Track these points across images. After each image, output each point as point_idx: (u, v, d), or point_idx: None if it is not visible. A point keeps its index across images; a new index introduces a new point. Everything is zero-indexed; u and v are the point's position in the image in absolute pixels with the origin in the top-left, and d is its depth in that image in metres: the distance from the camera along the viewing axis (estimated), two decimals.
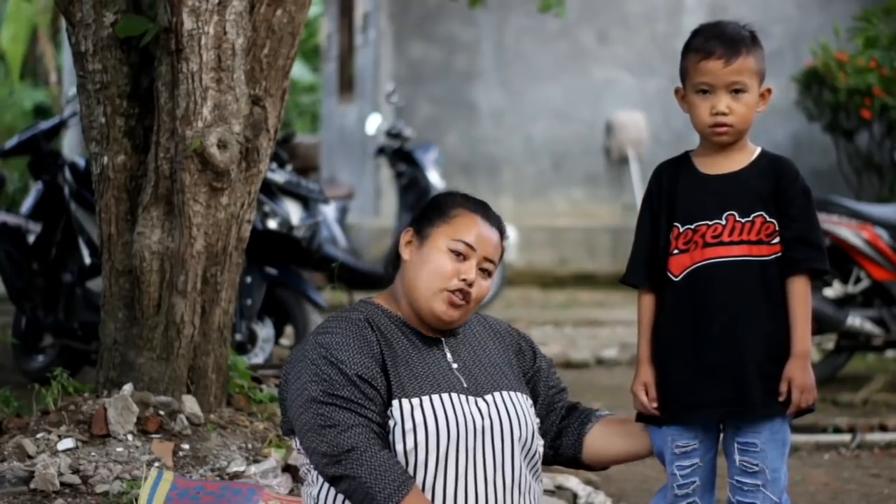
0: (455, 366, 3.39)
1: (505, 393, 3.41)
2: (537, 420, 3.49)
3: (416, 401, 3.28)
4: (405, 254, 3.44)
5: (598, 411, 3.63)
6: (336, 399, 3.23)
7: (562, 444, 3.57)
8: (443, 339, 3.43)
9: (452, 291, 3.36)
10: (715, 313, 3.37)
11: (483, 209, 3.47)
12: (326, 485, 3.30)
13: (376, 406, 3.27)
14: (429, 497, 3.24)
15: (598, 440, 3.56)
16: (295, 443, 3.41)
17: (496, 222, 3.47)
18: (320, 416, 3.22)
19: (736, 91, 3.37)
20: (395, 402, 3.28)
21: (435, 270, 3.37)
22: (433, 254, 3.38)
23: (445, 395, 3.31)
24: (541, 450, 3.47)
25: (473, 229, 3.40)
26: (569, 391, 3.68)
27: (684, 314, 3.40)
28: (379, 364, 3.31)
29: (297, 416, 3.29)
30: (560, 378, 3.67)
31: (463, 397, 3.33)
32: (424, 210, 3.48)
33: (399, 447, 3.26)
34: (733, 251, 3.38)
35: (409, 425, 3.26)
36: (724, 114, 3.38)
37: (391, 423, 3.27)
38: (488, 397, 3.37)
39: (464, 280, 3.36)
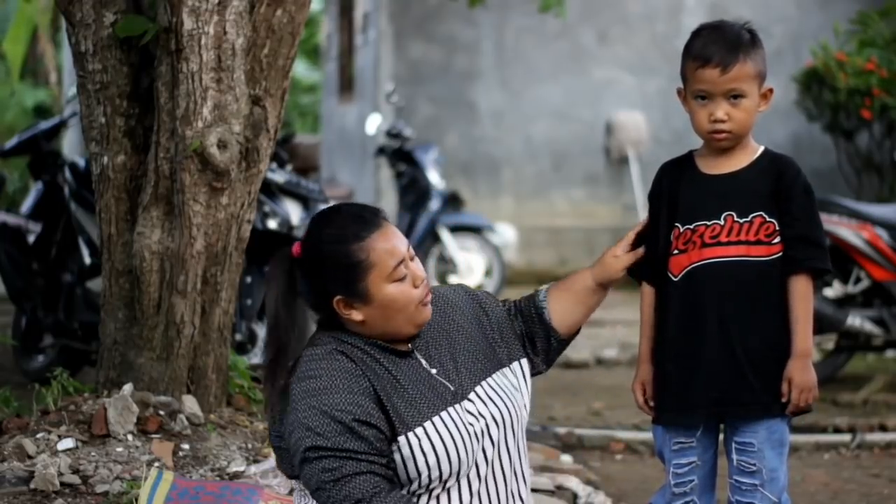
0: (434, 371, 3.35)
1: (485, 383, 3.38)
2: (519, 379, 3.45)
3: (419, 431, 3.23)
4: (355, 316, 3.28)
5: (539, 294, 3.58)
6: (335, 451, 3.15)
7: (541, 347, 3.55)
8: (413, 348, 3.37)
9: (422, 301, 3.31)
10: (711, 313, 3.38)
11: (365, 225, 3.29)
12: None
13: (377, 446, 3.19)
14: None
15: (563, 316, 3.55)
16: (296, 483, 3.36)
17: (377, 216, 3.31)
18: (322, 471, 3.15)
19: (734, 97, 3.37)
20: (402, 439, 3.22)
21: (401, 303, 3.27)
22: (388, 297, 3.26)
23: (445, 415, 3.26)
24: (526, 413, 3.44)
25: (388, 247, 3.27)
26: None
27: (682, 314, 3.41)
28: (372, 399, 3.22)
29: (300, 472, 3.22)
30: (500, 300, 3.62)
31: (459, 408, 3.30)
32: (335, 275, 3.26)
33: (408, 476, 3.22)
34: (730, 251, 3.38)
35: (420, 459, 3.22)
36: (722, 121, 3.38)
37: (398, 457, 3.21)
38: (472, 396, 3.34)
39: (422, 283, 3.30)
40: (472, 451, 3.27)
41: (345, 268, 3.26)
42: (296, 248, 3.32)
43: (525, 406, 3.43)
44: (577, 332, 3.62)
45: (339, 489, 3.14)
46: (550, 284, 3.62)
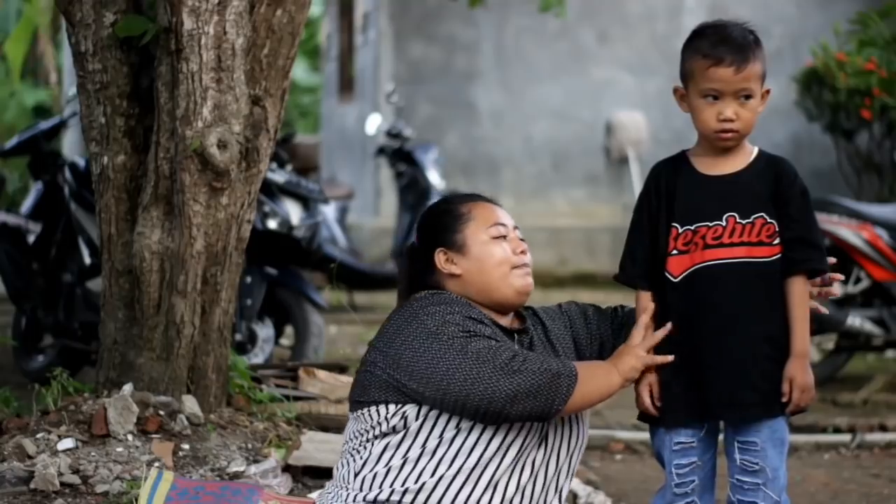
0: None
1: None
2: None
3: None
4: (454, 270, 3.56)
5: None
6: (476, 335, 3.39)
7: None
8: (516, 332, 3.58)
9: (519, 266, 3.55)
10: (714, 314, 3.38)
11: (473, 196, 3.68)
12: (372, 458, 3.41)
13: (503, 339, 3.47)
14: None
15: None
16: (349, 432, 3.48)
17: (488, 198, 3.66)
18: (471, 346, 3.36)
19: (744, 97, 3.37)
20: None
21: (496, 261, 3.54)
22: (483, 250, 3.55)
23: None
24: (584, 441, 3.64)
25: (494, 211, 3.60)
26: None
27: (684, 315, 3.41)
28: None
29: (438, 359, 3.37)
30: (581, 308, 3.77)
31: None
32: (438, 226, 3.60)
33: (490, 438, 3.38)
34: (733, 253, 3.38)
35: (487, 433, 3.40)
36: (731, 120, 3.38)
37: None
38: None
39: (522, 252, 3.57)
40: (540, 436, 3.44)
41: (448, 218, 3.59)
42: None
43: (585, 434, 3.61)
44: None
45: (493, 353, 3.35)
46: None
